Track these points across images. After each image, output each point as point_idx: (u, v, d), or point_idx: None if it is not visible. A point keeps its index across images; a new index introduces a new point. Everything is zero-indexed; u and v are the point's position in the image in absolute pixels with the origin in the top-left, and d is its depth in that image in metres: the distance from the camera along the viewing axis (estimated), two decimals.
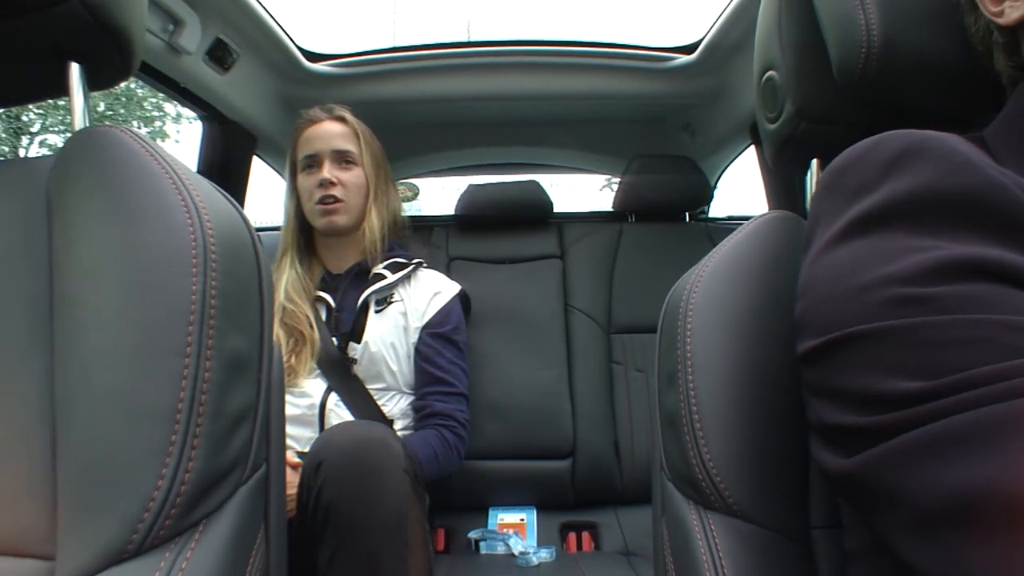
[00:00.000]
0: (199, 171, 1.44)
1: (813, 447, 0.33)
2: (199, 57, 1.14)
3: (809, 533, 0.39)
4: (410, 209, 2.28)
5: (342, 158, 1.08)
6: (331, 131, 1.09)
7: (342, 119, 1.10)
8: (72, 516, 0.32)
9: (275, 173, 1.69)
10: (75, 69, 0.48)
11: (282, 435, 0.41)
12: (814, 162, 0.56)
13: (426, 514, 0.91)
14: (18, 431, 0.35)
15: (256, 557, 0.35)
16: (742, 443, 0.38)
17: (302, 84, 1.42)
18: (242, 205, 1.57)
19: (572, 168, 2.12)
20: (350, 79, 1.45)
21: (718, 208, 1.83)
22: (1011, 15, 0.36)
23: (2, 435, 0.36)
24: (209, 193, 0.38)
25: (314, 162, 1.08)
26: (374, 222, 1.09)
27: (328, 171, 1.06)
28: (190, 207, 0.36)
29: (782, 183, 1.45)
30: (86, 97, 0.49)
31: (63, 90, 0.49)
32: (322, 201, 1.06)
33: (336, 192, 1.06)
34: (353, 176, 1.08)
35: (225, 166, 1.45)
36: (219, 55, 1.18)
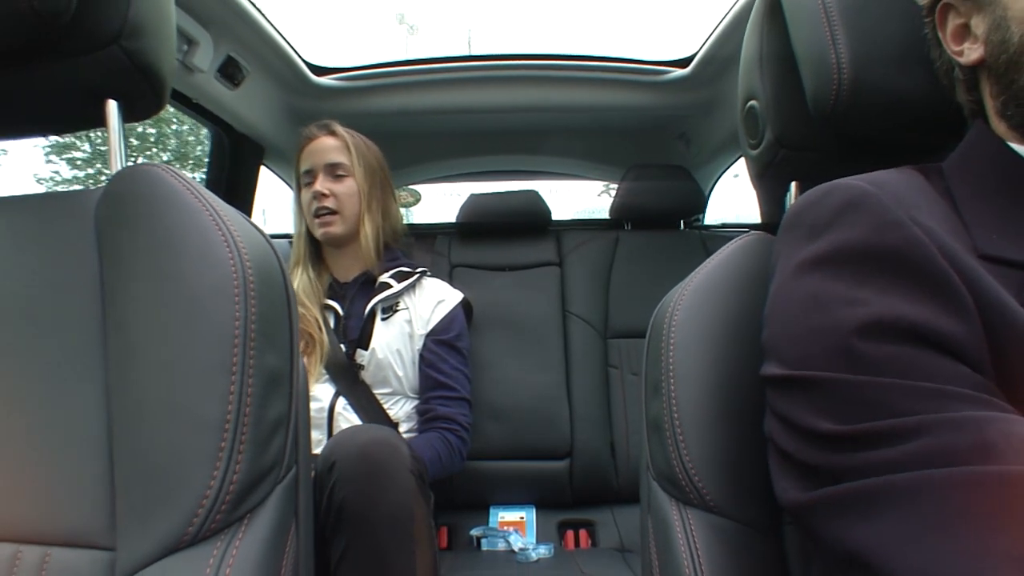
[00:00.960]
0: (209, 181, 1.49)
1: (771, 460, 0.37)
2: (211, 75, 1.18)
3: (781, 528, 0.43)
4: (408, 214, 2.33)
5: (334, 170, 1.13)
6: (324, 145, 1.14)
7: (334, 133, 1.15)
8: (133, 511, 0.37)
9: (282, 182, 1.74)
10: (112, 105, 0.52)
11: (308, 439, 0.46)
12: (793, 184, 0.60)
13: (432, 512, 0.95)
14: (78, 436, 0.40)
15: (291, 546, 0.40)
16: (718, 446, 0.42)
17: (308, 97, 1.46)
18: (250, 212, 1.62)
19: (571, 175, 2.16)
20: (355, 92, 1.49)
21: (720, 207, 1.87)
22: (970, 56, 0.40)
23: (63, 439, 0.40)
24: (244, 227, 0.43)
25: (311, 176, 1.14)
26: (367, 229, 1.14)
27: (321, 184, 1.11)
28: (229, 241, 0.40)
29: (771, 192, 1.49)
30: (122, 130, 0.54)
31: (100, 122, 0.53)
32: (318, 212, 1.11)
33: (329, 203, 1.11)
34: (345, 187, 1.13)
35: (234, 176, 1.50)
36: (230, 72, 1.23)
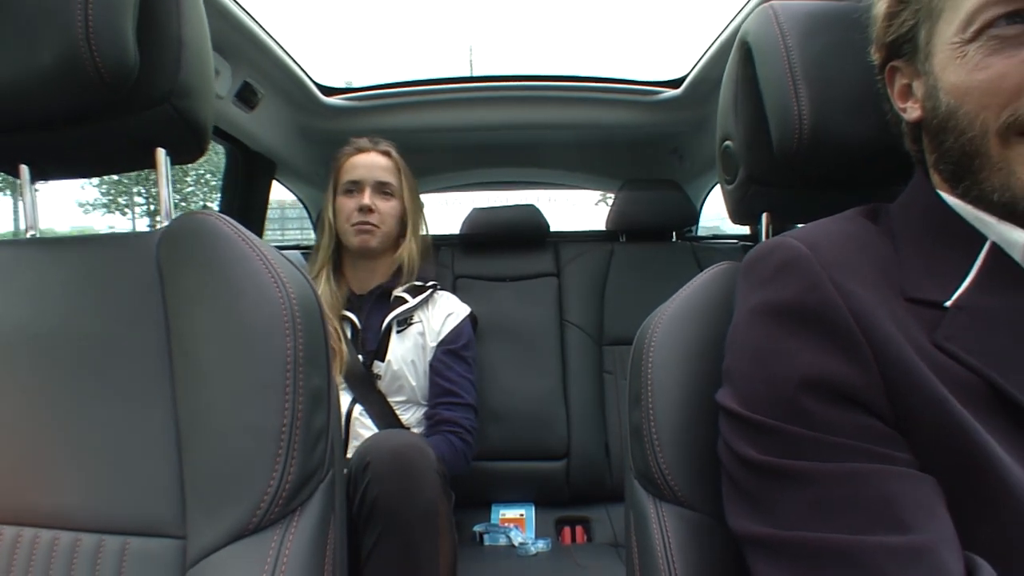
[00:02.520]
0: (223, 196, 1.57)
1: (723, 481, 0.44)
2: (229, 100, 1.25)
3: None
4: None
5: (382, 189, 1.19)
6: (376, 162, 1.20)
7: (387, 154, 1.22)
8: (202, 506, 0.45)
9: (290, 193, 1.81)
10: (161, 152, 0.59)
11: (340, 445, 0.53)
12: (764, 215, 0.67)
13: (452, 509, 1.02)
14: (150, 445, 0.48)
15: (332, 533, 0.48)
16: (689, 450, 0.49)
17: (318, 116, 1.53)
18: (262, 223, 1.69)
19: (569, 185, 2.23)
20: (362, 111, 1.56)
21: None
22: (912, 114, 0.45)
23: (139, 445, 0.48)
24: (288, 269, 0.50)
25: (356, 188, 1.19)
26: (413, 249, 1.20)
27: (368, 198, 1.17)
28: (278, 283, 0.48)
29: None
30: (169, 172, 0.62)
31: (149, 165, 0.61)
32: (359, 223, 1.17)
33: (373, 219, 1.17)
34: (390, 206, 1.19)
35: (248, 190, 1.57)
36: (246, 96, 1.30)
